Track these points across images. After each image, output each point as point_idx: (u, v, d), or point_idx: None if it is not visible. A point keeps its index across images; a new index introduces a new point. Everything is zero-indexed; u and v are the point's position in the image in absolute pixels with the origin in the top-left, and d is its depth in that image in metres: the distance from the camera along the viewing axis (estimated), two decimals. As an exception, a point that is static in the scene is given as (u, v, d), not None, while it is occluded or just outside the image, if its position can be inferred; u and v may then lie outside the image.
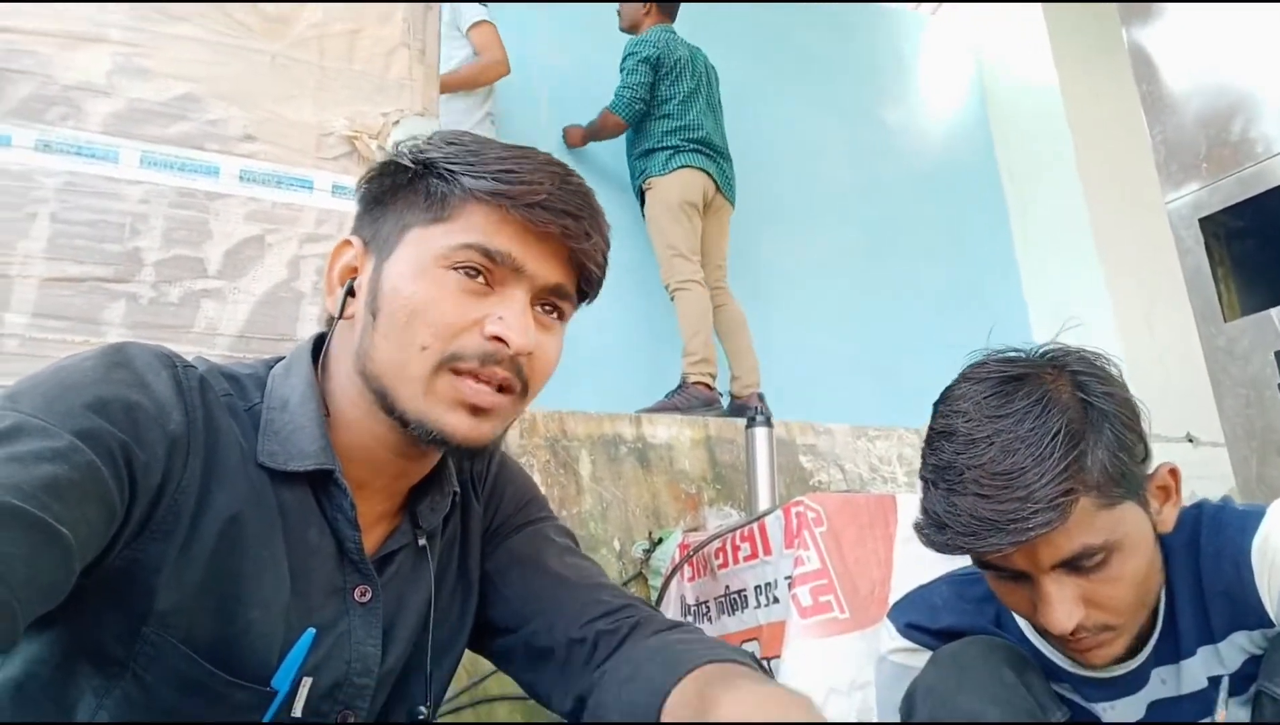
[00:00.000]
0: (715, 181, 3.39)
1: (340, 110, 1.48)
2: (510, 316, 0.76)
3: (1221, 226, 2.18)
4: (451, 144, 0.80)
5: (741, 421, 2.70)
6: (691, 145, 3.36)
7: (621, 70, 3.42)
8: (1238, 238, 2.18)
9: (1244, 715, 0.98)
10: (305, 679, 0.76)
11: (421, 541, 0.86)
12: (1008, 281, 4.64)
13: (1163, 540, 1.02)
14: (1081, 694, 1.08)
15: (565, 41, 3.89)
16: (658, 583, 2.27)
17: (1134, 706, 1.04)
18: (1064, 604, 0.90)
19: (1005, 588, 0.97)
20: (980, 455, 0.88)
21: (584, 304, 0.87)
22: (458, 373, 0.75)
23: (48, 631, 0.70)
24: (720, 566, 2.03)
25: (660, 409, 3.01)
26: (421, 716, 0.86)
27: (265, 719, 0.74)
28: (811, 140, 4.38)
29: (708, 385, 3.14)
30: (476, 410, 0.76)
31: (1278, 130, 2.06)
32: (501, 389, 0.77)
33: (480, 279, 0.76)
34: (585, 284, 0.84)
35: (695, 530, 2.39)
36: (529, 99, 3.72)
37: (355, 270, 0.82)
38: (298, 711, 0.76)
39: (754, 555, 1.95)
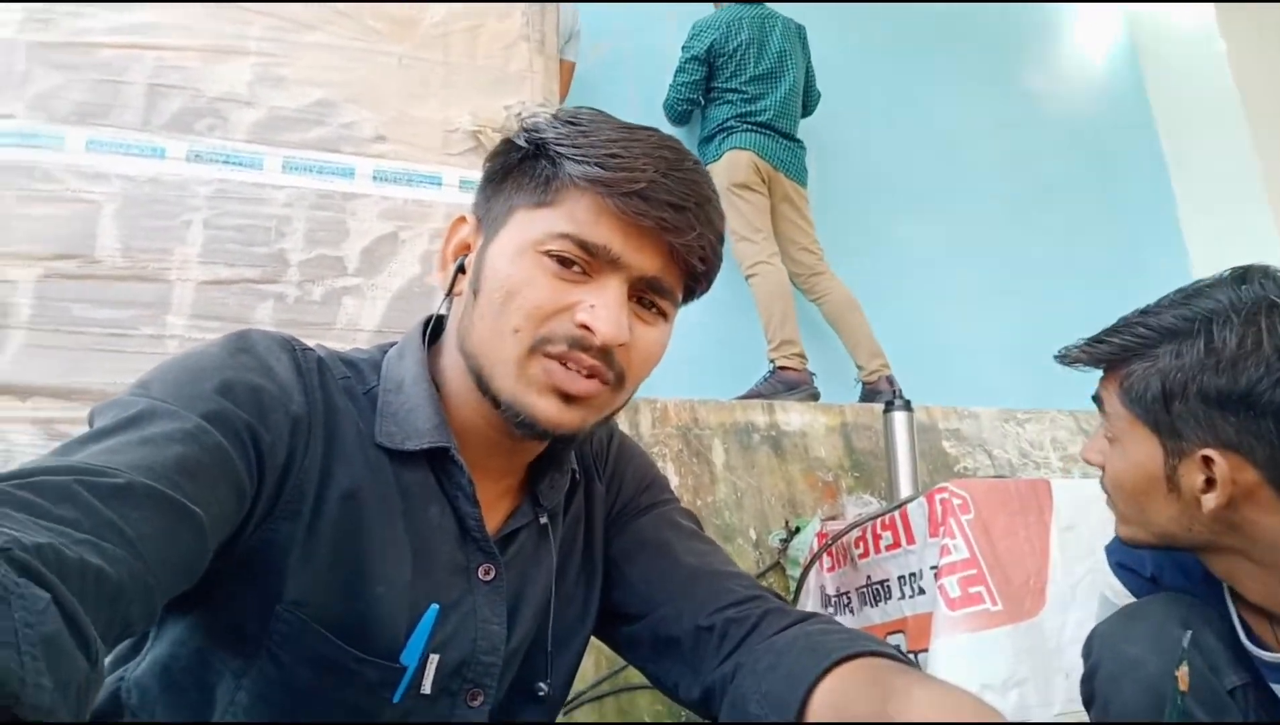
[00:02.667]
0: (770, 161, 3.24)
1: (464, 106, 1.51)
2: (601, 306, 0.74)
3: None
4: (568, 123, 0.78)
5: (878, 407, 2.60)
6: (745, 126, 3.26)
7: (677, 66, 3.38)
8: None
9: None
10: (432, 656, 0.76)
11: (543, 520, 0.86)
12: (1172, 252, 4.30)
13: None
14: (1266, 674, 0.99)
15: (657, 17, 3.83)
16: (796, 573, 2.22)
17: None
18: (1094, 439, 1.07)
19: None
20: (1149, 307, 1.00)
21: (694, 297, 0.85)
22: (548, 356, 0.75)
23: (188, 615, 0.73)
24: (861, 556, 1.96)
25: (750, 397, 2.93)
26: (542, 693, 0.86)
27: (395, 696, 0.75)
28: (947, 112, 4.19)
29: (795, 368, 3.02)
30: (568, 397, 0.75)
31: None
32: (592, 376, 0.75)
33: (576, 268, 0.75)
34: (690, 278, 0.81)
35: (833, 519, 2.33)
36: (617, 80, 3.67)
37: (468, 247, 0.82)
38: (426, 689, 0.76)
39: (896, 544, 1.87)
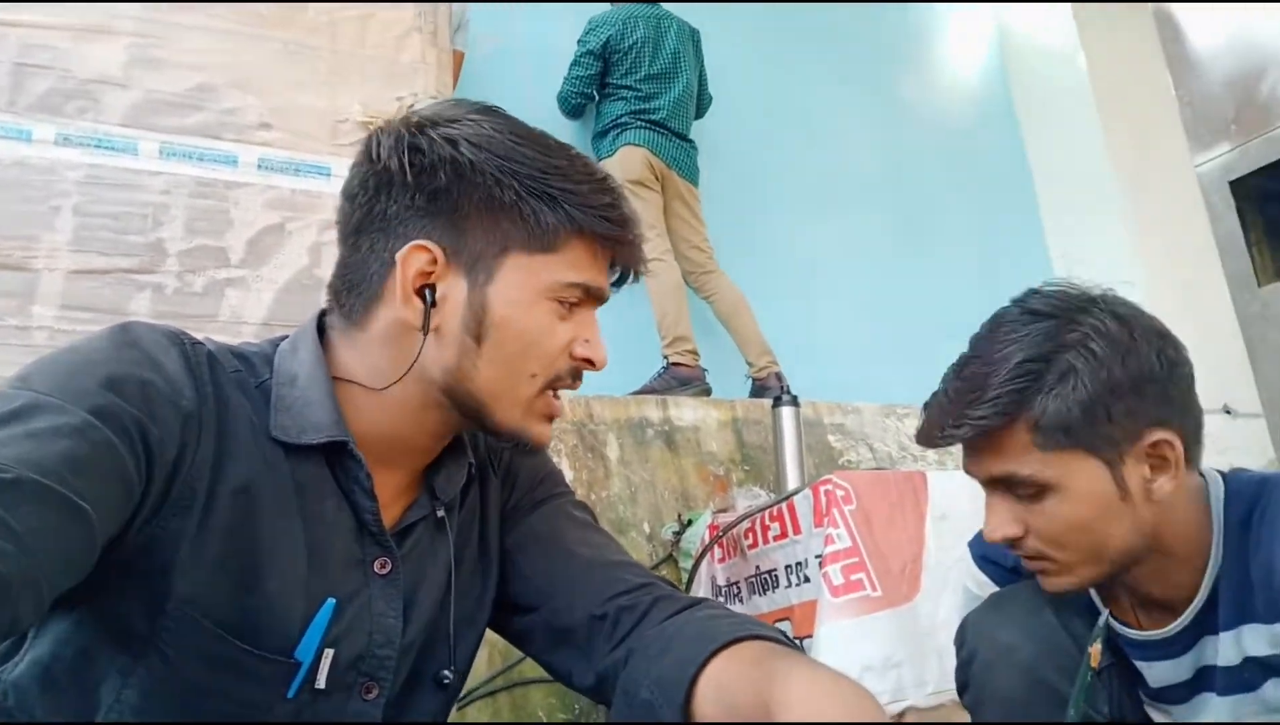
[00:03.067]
0: (663, 159, 3.30)
1: (354, 96, 1.48)
2: (594, 338, 0.83)
3: (1253, 189, 2.14)
4: (539, 151, 0.80)
5: (767, 402, 2.68)
6: (640, 123, 3.31)
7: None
8: (1271, 200, 2.13)
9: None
10: (327, 650, 0.76)
11: (440, 513, 0.86)
12: (1036, 255, 4.57)
13: (1227, 508, 0.99)
14: (1128, 652, 1.07)
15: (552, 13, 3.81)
16: (688, 564, 2.26)
17: (1176, 669, 1.03)
18: (995, 516, 0.99)
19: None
20: (961, 367, 1.00)
21: None
22: (550, 389, 0.82)
23: (72, 612, 0.71)
24: (750, 547, 2.02)
25: (644, 392, 2.98)
26: (448, 681, 0.87)
27: (290, 692, 0.74)
28: (831, 117, 4.33)
29: (688, 364, 3.09)
30: (553, 418, 0.84)
31: (1312, 87, 2.01)
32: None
33: (568, 306, 0.82)
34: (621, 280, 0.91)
35: (724, 511, 2.38)
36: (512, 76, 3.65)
37: (428, 276, 0.78)
38: (321, 683, 0.76)
39: (784, 535, 1.93)
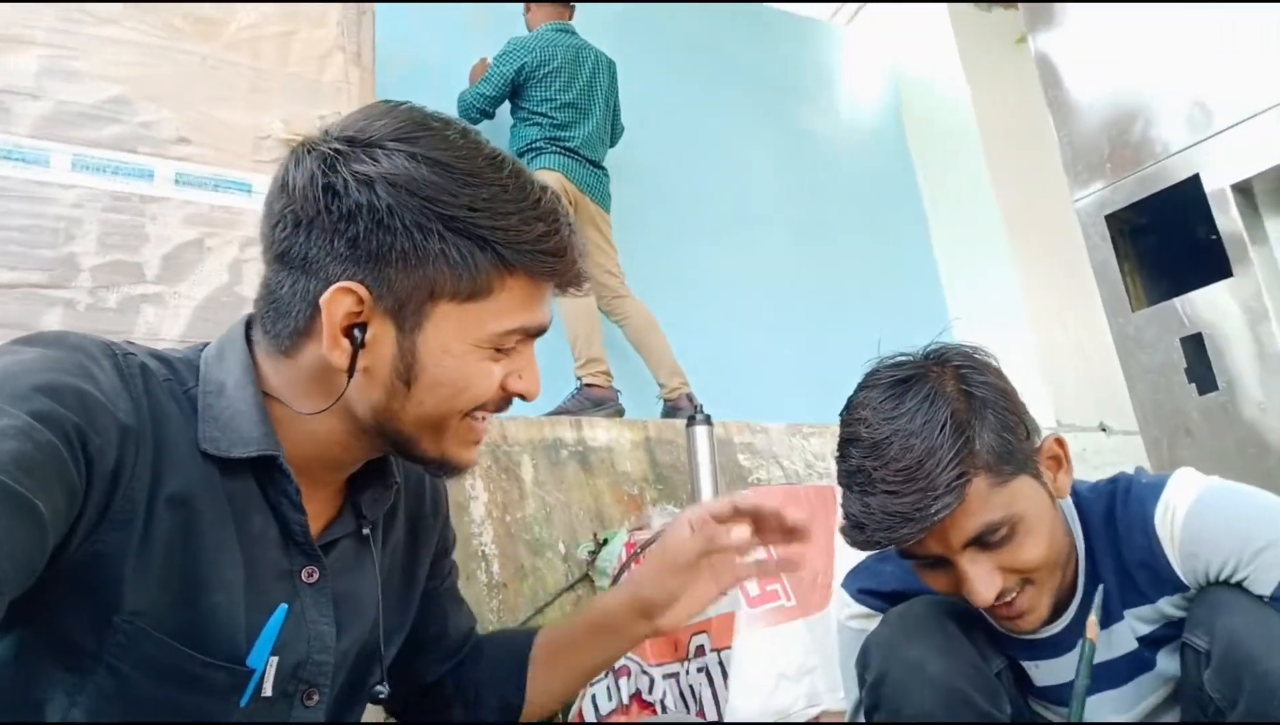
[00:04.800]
0: (577, 184, 3.37)
1: (275, 113, 1.46)
2: (529, 373, 0.82)
3: (1126, 222, 2.31)
4: (446, 179, 0.73)
5: (680, 422, 2.73)
6: (554, 149, 3.37)
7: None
8: (1142, 232, 2.31)
9: (1174, 665, 1.05)
10: (272, 659, 0.76)
11: (365, 531, 0.87)
12: (928, 280, 4.80)
13: (1083, 512, 1.11)
14: (1014, 653, 1.14)
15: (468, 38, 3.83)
16: (605, 583, 2.28)
17: (1063, 669, 1.10)
18: (981, 579, 0.98)
19: (930, 574, 1.05)
20: (883, 456, 0.97)
21: None
22: (474, 419, 0.81)
23: (12, 631, 0.68)
24: (666, 563, 2.05)
25: (558, 413, 3.01)
26: (383, 695, 0.89)
27: (243, 700, 0.74)
28: (737, 148, 4.47)
29: (601, 385, 3.14)
30: (478, 443, 0.83)
31: (1174, 131, 2.20)
32: None
33: (505, 349, 0.80)
34: None
35: (640, 529, 2.42)
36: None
37: (357, 315, 0.75)
38: (268, 691, 0.76)
39: (699, 550, 1.97)
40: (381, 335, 0.75)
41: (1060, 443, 1.06)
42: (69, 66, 1.35)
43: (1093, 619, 1.01)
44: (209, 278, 1.37)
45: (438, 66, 3.63)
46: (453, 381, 0.76)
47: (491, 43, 3.54)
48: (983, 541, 0.97)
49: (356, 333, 0.74)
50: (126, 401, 0.69)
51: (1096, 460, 3.88)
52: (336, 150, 0.73)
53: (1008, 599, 1.00)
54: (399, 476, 0.91)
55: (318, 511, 0.84)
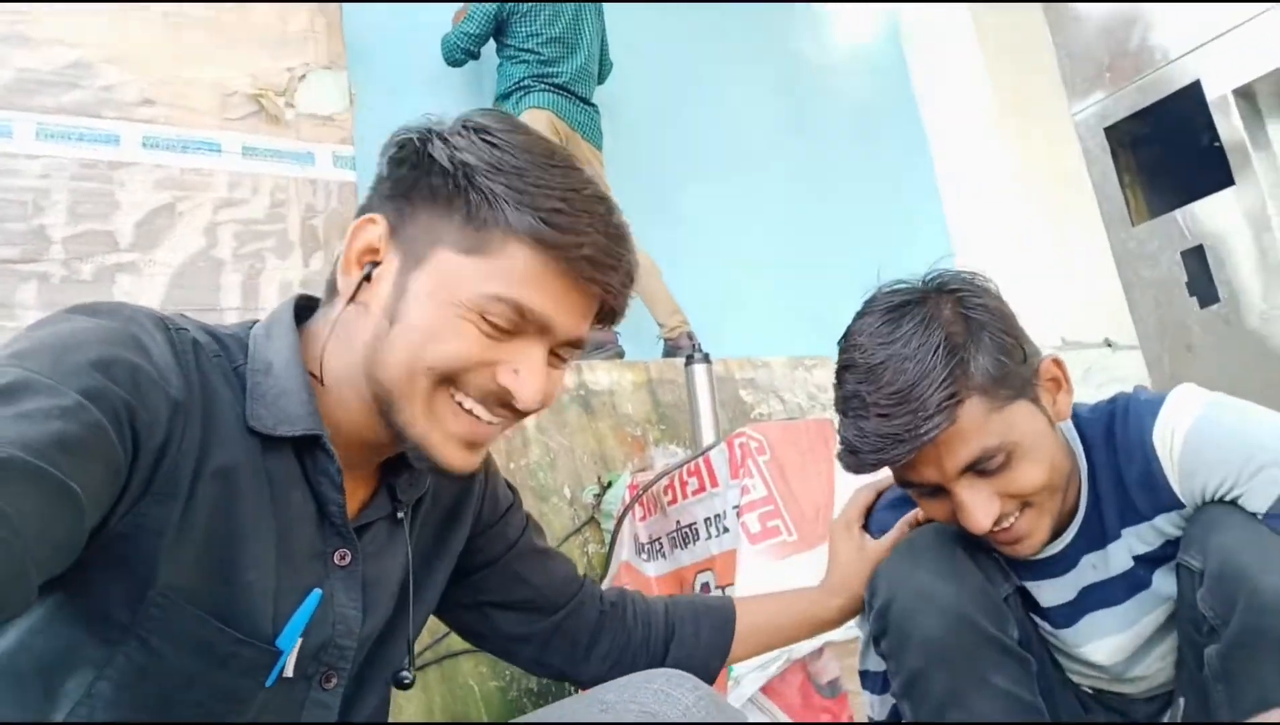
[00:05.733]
0: (567, 122, 3.28)
1: (241, 68, 1.42)
2: (526, 372, 0.74)
3: (1126, 134, 2.26)
4: (494, 149, 0.74)
5: (679, 361, 2.72)
6: (543, 86, 3.28)
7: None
8: (1142, 144, 2.26)
9: (1170, 585, 1.05)
10: (298, 640, 0.76)
11: (400, 514, 0.86)
12: (930, 206, 4.72)
13: (1082, 432, 1.10)
14: (1020, 575, 1.14)
15: None
16: (610, 525, 2.30)
17: (1063, 589, 1.11)
18: (979, 505, 0.97)
19: (928, 503, 1.05)
20: (877, 380, 0.96)
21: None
22: (459, 402, 0.75)
23: (46, 600, 0.68)
24: (670, 503, 2.07)
25: None
26: (407, 680, 0.88)
27: (269, 680, 0.74)
28: (730, 81, 4.36)
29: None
30: (473, 445, 0.77)
31: (1173, 37, 2.13)
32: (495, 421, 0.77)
33: (507, 329, 0.74)
34: (603, 321, 0.82)
35: (643, 471, 2.42)
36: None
37: (377, 253, 0.77)
38: (289, 672, 0.76)
39: (701, 489, 1.98)
40: (387, 272, 0.76)
41: (1059, 364, 1.05)
42: (25, 32, 1.31)
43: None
44: (183, 243, 1.34)
45: (409, 9, 3.53)
46: (425, 328, 0.73)
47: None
48: (979, 468, 0.96)
49: (370, 266, 0.76)
50: (178, 376, 0.69)
51: (1102, 377, 3.85)
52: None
53: (1006, 524, 1.00)
54: None
55: (353, 494, 0.83)
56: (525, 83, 3.28)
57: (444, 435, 0.75)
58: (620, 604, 1.08)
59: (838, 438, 1.02)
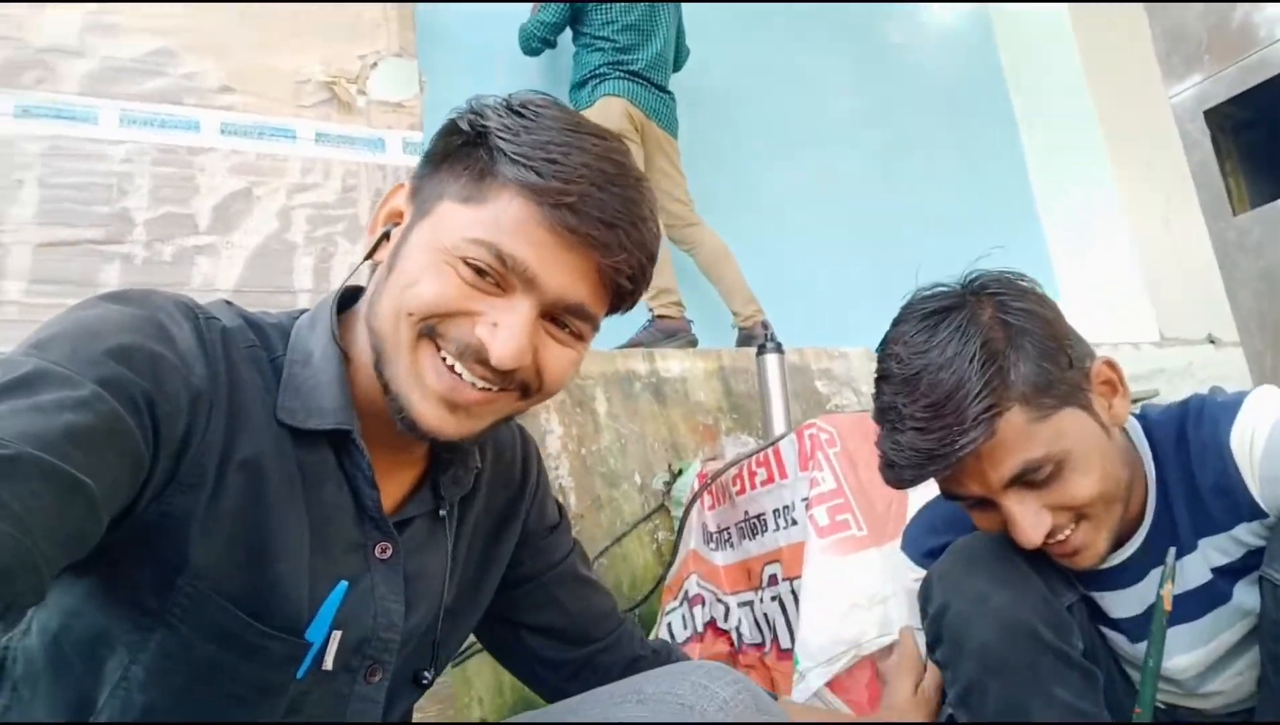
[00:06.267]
0: (642, 109, 3.27)
1: (315, 55, 1.45)
2: (504, 327, 0.72)
3: (1227, 118, 2.12)
4: (514, 112, 0.75)
5: (753, 350, 2.69)
6: (619, 74, 3.27)
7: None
8: (1244, 128, 2.12)
9: (1252, 599, 0.98)
10: (335, 633, 0.76)
11: (442, 512, 0.86)
12: (1020, 195, 4.56)
13: (1151, 436, 1.03)
14: (1085, 585, 1.08)
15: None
16: (679, 513, 2.29)
17: (1132, 602, 1.05)
18: (1027, 518, 0.93)
19: (978, 515, 1.00)
20: (913, 392, 0.92)
21: (620, 312, 0.82)
22: (440, 357, 0.73)
23: (82, 582, 0.70)
24: (738, 493, 2.04)
25: (630, 346, 2.97)
26: (426, 681, 0.88)
27: (300, 673, 0.74)
28: (812, 65, 4.28)
29: (673, 316, 3.09)
30: (454, 406, 0.74)
31: (1279, 13, 1.99)
32: (486, 387, 0.75)
33: (490, 278, 0.72)
34: (616, 299, 0.79)
35: (714, 460, 2.41)
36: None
37: (400, 216, 0.79)
38: (328, 664, 0.76)
39: (770, 479, 1.96)
40: (400, 229, 0.78)
41: (1112, 366, 0.99)
42: (110, 21, 1.37)
43: (1168, 589, 0.94)
44: (259, 226, 1.39)
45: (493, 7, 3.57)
46: (408, 273, 0.73)
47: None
48: (1026, 480, 0.92)
49: (391, 226, 0.79)
50: (202, 365, 0.69)
51: (1204, 374, 3.65)
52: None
53: (1060, 537, 0.95)
54: (483, 461, 0.90)
55: (395, 488, 0.83)
56: (601, 70, 3.28)
57: (424, 392, 0.73)
58: (663, 654, 1.05)
59: (878, 451, 0.98)
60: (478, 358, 0.73)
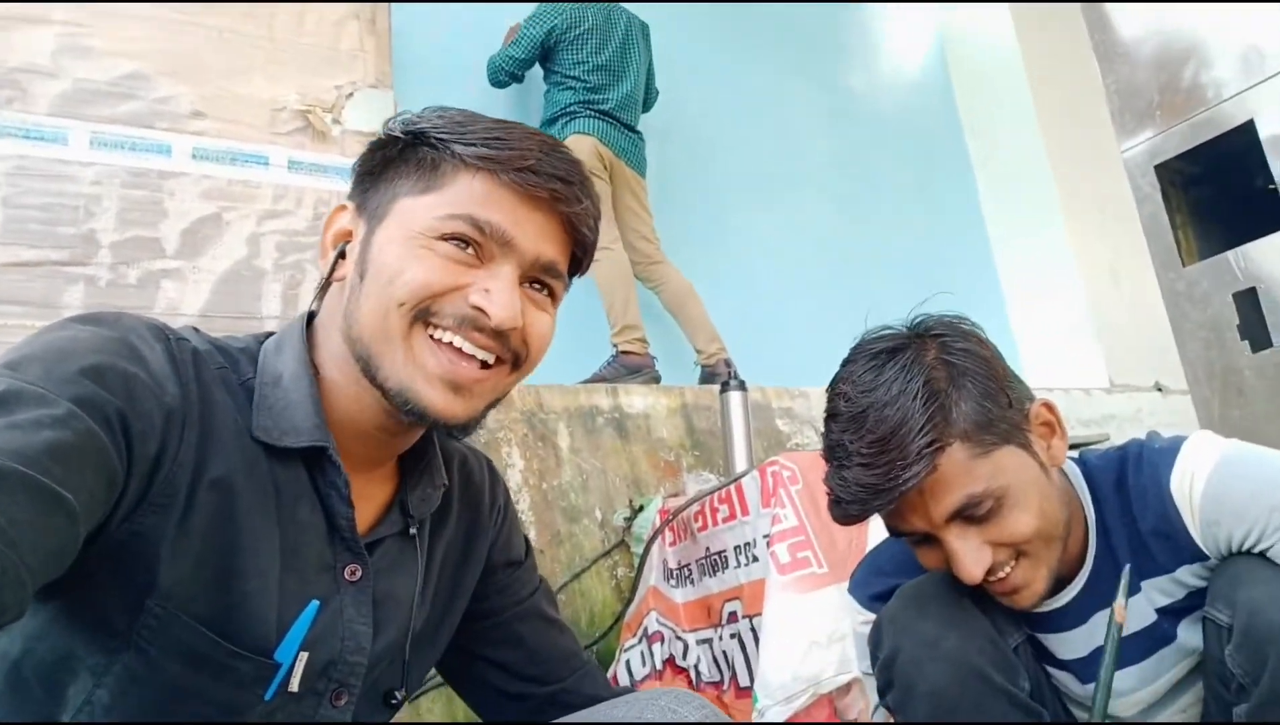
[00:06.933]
0: (612, 148, 3.32)
1: (291, 84, 1.46)
2: (496, 290, 0.75)
3: (1177, 172, 2.21)
4: (441, 116, 0.80)
5: (716, 388, 2.71)
6: (589, 113, 3.32)
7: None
8: (1193, 183, 2.21)
9: (1196, 638, 1.00)
10: (302, 654, 0.75)
11: (412, 531, 0.86)
12: (976, 239, 4.68)
13: (1091, 480, 1.06)
14: (1031, 626, 1.10)
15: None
16: (640, 549, 2.28)
17: (1076, 644, 1.06)
18: (968, 553, 0.95)
19: (922, 552, 1.02)
20: (859, 428, 0.95)
21: (577, 274, 0.87)
22: (437, 340, 0.75)
23: (47, 606, 0.69)
24: (700, 529, 2.05)
25: (593, 381, 2.99)
26: (395, 701, 0.87)
27: (268, 694, 0.73)
28: (779, 110, 4.37)
29: (637, 352, 3.12)
30: (457, 387, 0.76)
31: (1228, 73, 2.09)
32: (486, 364, 0.77)
33: (470, 251, 0.76)
34: (579, 250, 0.84)
35: (675, 496, 2.41)
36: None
37: (349, 235, 0.81)
38: (294, 687, 0.75)
39: (732, 516, 1.96)
40: (356, 242, 0.80)
41: (1050, 407, 1.02)
42: (85, 44, 1.37)
43: (1120, 603, 0.95)
44: (228, 252, 1.38)
45: (457, 33, 3.59)
46: (390, 266, 0.75)
47: (517, 9, 3.49)
48: (967, 515, 0.94)
49: (344, 245, 0.81)
50: (174, 384, 0.69)
51: (1151, 421, 3.76)
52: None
53: (1001, 574, 0.97)
54: (449, 479, 0.91)
55: (367, 508, 0.83)
56: (571, 108, 3.32)
57: (426, 377, 0.75)
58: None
59: (825, 487, 1.00)
60: (476, 326, 0.75)
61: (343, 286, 0.79)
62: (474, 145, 0.76)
